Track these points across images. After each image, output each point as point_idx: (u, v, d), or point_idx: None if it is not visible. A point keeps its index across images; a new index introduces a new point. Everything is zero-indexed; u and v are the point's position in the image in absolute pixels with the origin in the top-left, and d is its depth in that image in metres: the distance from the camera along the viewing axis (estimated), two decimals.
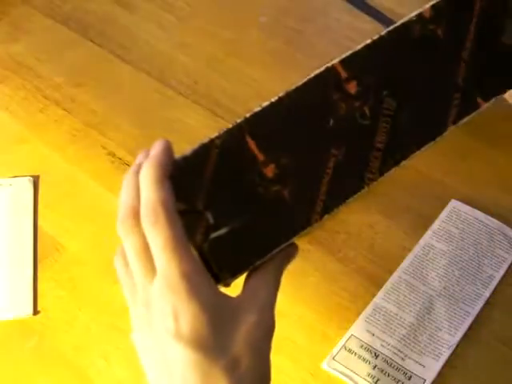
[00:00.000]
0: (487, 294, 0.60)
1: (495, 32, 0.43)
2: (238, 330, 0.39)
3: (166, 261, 0.38)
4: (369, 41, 0.42)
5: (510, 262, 0.62)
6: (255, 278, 0.42)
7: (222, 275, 0.40)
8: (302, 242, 0.63)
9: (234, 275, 0.41)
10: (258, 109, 0.41)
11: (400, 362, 0.56)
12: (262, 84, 0.77)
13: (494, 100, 0.44)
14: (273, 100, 0.41)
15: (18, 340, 0.58)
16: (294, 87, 0.41)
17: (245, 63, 0.79)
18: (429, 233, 0.64)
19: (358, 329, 0.58)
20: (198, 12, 0.89)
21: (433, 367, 0.56)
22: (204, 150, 0.40)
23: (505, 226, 0.64)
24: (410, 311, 0.59)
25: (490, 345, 0.57)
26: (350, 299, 0.60)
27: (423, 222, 0.65)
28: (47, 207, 0.69)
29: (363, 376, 0.55)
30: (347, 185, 0.41)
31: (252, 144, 0.40)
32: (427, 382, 0.55)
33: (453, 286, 0.60)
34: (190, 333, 0.38)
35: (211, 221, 0.40)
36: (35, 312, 0.60)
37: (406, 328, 0.58)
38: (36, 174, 0.71)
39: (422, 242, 0.63)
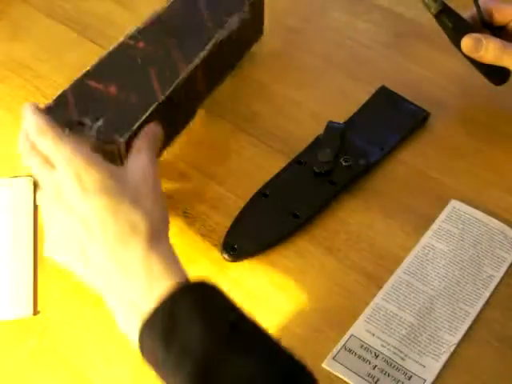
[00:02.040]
0: (487, 294, 0.60)
1: None
2: (130, 180, 0.52)
3: (60, 149, 0.52)
4: None
5: (510, 262, 0.62)
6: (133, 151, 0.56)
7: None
8: (302, 241, 0.64)
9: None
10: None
11: (400, 361, 0.56)
12: (262, 84, 0.77)
13: None
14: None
15: (18, 340, 0.58)
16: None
17: (244, 63, 0.79)
18: (429, 233, 0.64)
19: (358, 329, 0.58)
20: None
21: (433, 367, 0.56)
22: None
23: (505, 226, 0.64)
24: (410, 311, 0.59)
25: (490, 345, 0.57)
26: (350, 299, 0.60)
27: (423, 222, 0.65)
28: None
29: (363, 376, 0.55)
30: None
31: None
32: (427, 382, 0.55)
33: (453, 286, 0.60)
34: (94, 185, 0.50)
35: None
36: (35, 312, 0.60)
37: (406, 328, 0.58)
38: None
39: (422, 241, 0.63)
